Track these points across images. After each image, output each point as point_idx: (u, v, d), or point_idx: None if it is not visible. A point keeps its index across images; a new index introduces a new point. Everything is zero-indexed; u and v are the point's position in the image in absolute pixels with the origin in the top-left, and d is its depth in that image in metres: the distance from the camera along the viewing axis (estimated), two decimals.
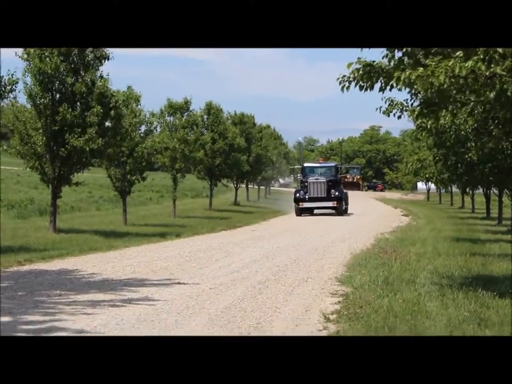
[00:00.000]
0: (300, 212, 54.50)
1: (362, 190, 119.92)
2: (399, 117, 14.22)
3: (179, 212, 48.69)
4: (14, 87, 24.61)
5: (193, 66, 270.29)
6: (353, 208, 62.67)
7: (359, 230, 38.88)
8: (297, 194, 55.31)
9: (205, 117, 58.04)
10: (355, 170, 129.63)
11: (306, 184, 55.54)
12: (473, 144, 21.43)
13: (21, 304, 14.78)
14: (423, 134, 20.68)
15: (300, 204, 54.53)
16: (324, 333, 12.49)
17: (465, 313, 13.85)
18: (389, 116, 14.28)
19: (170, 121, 49.00)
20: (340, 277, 19.56)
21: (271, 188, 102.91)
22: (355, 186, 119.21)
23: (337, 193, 54.92)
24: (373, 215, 56.51)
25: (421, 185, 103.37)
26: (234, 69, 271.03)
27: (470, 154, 24.02)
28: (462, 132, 21.10)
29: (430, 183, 69.47)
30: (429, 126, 18.43)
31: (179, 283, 18.15)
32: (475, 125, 17.93)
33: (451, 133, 22.03)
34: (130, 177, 39.56)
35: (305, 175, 57.34)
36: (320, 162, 63.61)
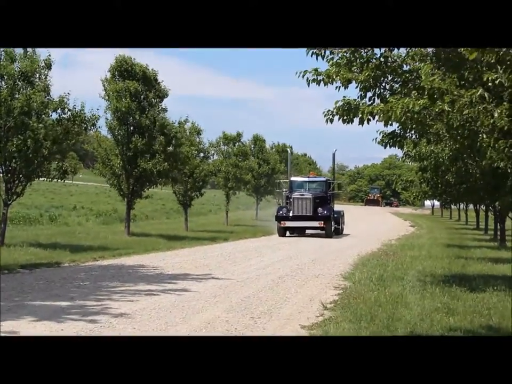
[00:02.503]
0: (283, 232, 38.27)
1: (381, 206, 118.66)
2: (390, 146, 13.79)
3: (231, 221, 48.45)
4: (95, 121, 24.67)
5: (244, 104, 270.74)
6: (370, 220, 61.91)
7: (372, 237, 38.26)
8: (280, 212, 38.71)
9: (252, 146, 58.11)
10: (376, 190, 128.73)
11: (290, 200, 39.17)
12: (449, 168, 21.06)
13: (82, 292, 14.64)
14: (407, 160, 20.31)
15: (282, 222, 38.14)
16: (320, 319, 12.20)
17: (438, 304, 13.53)
18: (383, 145, 13.77)
19: (224, 149, 49.01)
20: (345, 274, 19.22)
21: None
22: (376, 203, 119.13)
23: (325, 212, 38.12)
24: (386, 225, 55.61)
25: (427, 202, 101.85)
26: (278, 105, 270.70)
27: (446, 176, 23.56)
28: (440, 159, 20.68)
29: (432, 200, 67.74)
30: (412, 154, 18.15)
31: (213, 277, 17.87)
32: (450, 153, 17.55)
33: (431, 159, 21.62)
34: (190, 193, 39.57)
35: (292, 191, 40.05)
36: (309, 177, 43.73)
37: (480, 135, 9.17)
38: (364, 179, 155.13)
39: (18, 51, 23.10)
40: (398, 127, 10.72)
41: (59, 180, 25.28)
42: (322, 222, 37.77)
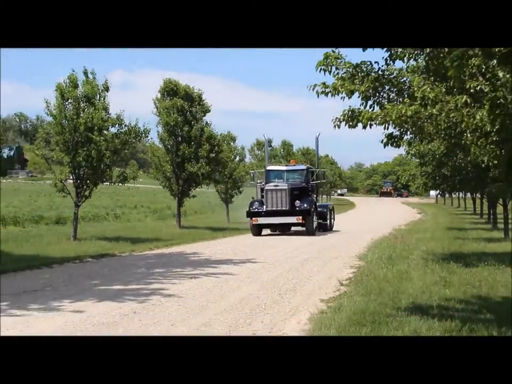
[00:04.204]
0: (257, 230, 28.35)
1: (393, 197, 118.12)
2: (391, 146, 13.56)
3: None
4: (147, 133, 24.84)
5: (273, 116, 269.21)
6: (383, 209, 61.29)
7: (385, 223, 37.87)
8: (253, 207, 28.68)
9: (281, 150, 58.10)
10: (388, 183, 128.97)
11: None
12: (445, 162, 20.84)
13: (138, 277, 14.65)
14: (409, 157, 20.17)
15: (254, 219, 28.15)
16: (336, 294, 12.08)
17: (437, 278, 13.29)
18: (384, 147, 13.46)
19: (258, 153, 49.08)
20: (360, 255, 19.05)
21: (331, 196, 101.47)
22: (389, 194, 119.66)
23: (304, 205, 28.07)
24: (396, 213, 55.13)
25: (432, 192, 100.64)
26: (303, 116, 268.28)
27: (443, 170, 23.29)
28: (437, 156, 20.47)
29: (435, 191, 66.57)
30: (413, 152, 17.94)
31: (248, 261, 17.81)
32: (445, 150, 17.34)
33: (429, 156, 21.41)
34: (231, 192, 39.72)
35: (268, 182, 29.75)
36: (287, 165, 33.11)
37: (465, 135, 9.01)
38: (378, 175, 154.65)
39: (81, 77, 23.42)
40: (395, 129, 10.54)
41: (120, 184, 25.44)
42: (301, 217, 27.93)
